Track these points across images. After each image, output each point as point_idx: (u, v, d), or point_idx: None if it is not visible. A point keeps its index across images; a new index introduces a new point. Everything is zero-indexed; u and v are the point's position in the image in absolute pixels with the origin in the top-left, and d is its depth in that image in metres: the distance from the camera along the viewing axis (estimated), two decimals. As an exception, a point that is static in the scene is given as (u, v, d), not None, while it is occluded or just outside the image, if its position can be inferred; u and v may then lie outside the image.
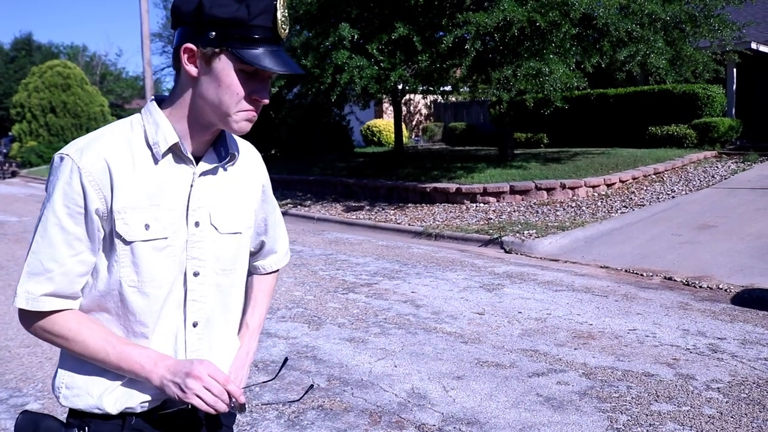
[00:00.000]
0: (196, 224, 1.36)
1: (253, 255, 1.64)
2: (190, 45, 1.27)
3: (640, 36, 10.71)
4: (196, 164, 1.37)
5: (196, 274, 1.37)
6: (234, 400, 1.31)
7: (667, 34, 11.60)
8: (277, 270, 1.72)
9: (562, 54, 10.56)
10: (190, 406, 1.38)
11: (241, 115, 1.30)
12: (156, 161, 1.31)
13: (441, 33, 11.29)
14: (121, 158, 1.28)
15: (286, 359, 1.59)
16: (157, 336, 1.35)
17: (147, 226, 1.29)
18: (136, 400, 1.34)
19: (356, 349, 4.67)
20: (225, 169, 1.42)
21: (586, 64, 11.10)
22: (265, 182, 1.57)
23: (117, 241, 1.29)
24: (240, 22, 1.24)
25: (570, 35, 10.46)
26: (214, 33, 1.25)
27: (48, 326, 1.30)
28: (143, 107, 1.38)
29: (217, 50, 1.26)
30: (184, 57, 1.28)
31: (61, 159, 1.27)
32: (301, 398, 1.99)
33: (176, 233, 1.33)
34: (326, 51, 11.23)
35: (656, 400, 3.64)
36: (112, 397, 1.33)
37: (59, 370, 1.37)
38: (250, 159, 1.52)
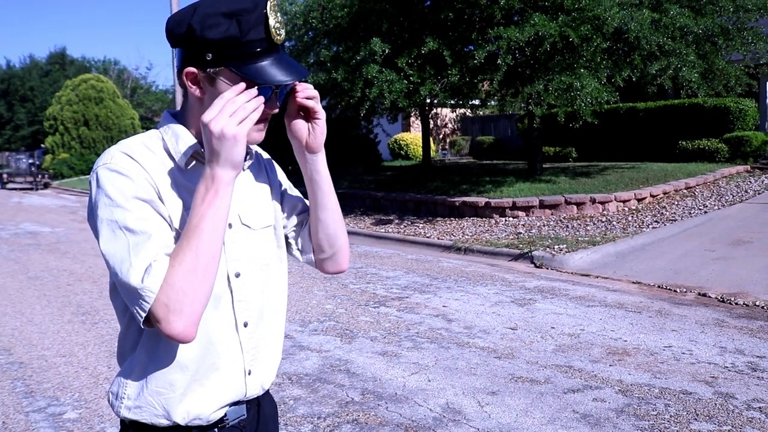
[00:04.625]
0: (230, 226, 1.36)
1: (303, 226, 1.57)
2: (191, 69, 1.27)
3: (671, 49, 10.63)
4: None
5: (237, 275, 1.37)
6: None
7: (699, 48, 11.49)
8: None
9: (593, 68, 10.51)
10: (244, 416, 1.41)
11: (253, 127, 1.29)
12: (181, 170, 1.32)
13: (471, 47, 11.31)
14: (154, 166, 1.28)
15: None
16: (216, 339, 1.33)
17: None
18: (207, 411, 1.34)
19: (389, 363, 4.67)
20: (244, 169, 1.43)
21: (617, 78, 11.04)
22: (278, 168, 1.58)
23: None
24: (233, 40, 1.22)
25: (601, 49, 10.41)
26: (210, 54, 1.24)
27: (164, 292, 1.17)
28: (159, 123, 1.39)
29: (217, 70, 1.25)
30: (187, 80, 1.28)
31: (105, 168, 1.24)
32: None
33: None
34: (357, 65, 11.29)
35: (696, 419, 3.59)
36: (182, 408, 1.32)
37: (120, 378, 1.35)
38: (263, 156, 1.54)
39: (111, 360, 4.91)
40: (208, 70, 1.26)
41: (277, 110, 1.33)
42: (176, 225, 1.27)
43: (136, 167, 1.25)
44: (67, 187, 27.77)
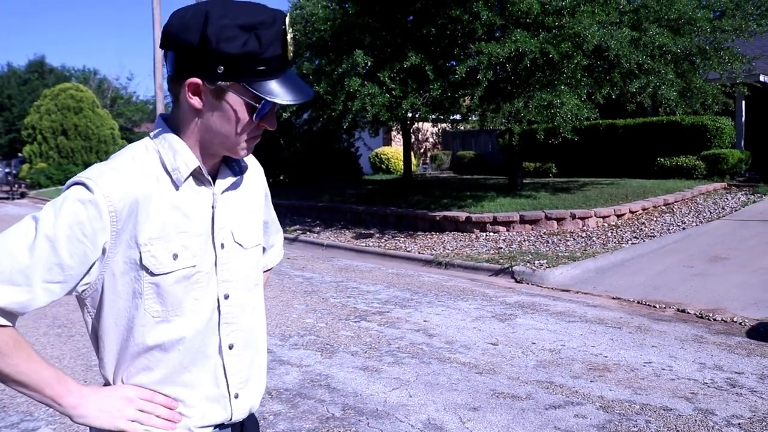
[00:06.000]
0: (222, 246, 1.32)
1: None
2: (194, 80, 1.20)
3: (650, 68, 10.78)
4: (213, 184, 1.33)
5: (226, 297, 1.33)
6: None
7: (677, 66, 11.67)
8: (271, 269, 1.72)
9: (573, 85, 10.61)
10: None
11: (249, 142, 1.28)
12: (177, 187, 1.26)
13: (452, 62, 11.38)
14: (146, 187, 1.22)
15: None
16: (197, 365, 1.31)
17: (175, 256, 1.24)
18: (198, 423, 1.32)
19: (370, 378, 4.64)
20: (237, 184, 1.40)
21: (597, 95, 11.15)
22: (265, 186, 1.54)
23: (143, 273, 1.22)
24: (253, 56, 1.17)
25: (581, 66, 10.52)
26: (222, 67, 1.17)
27: None
28: (153, 131, 1.31)
29: (228, 84, 1.20)
30: (188, 90, 1.21)
31: (81, 184, 1.18)
32: None
33: (204, 259, 1.29)
34: (339, 78, 11.31)
35: (676, 436, 3.60)
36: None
37: None
38: (251, 167, 1.47)
39: (87, 374, 4.83)
40: (218, 83, 1.20)
41: (275, 127, 1.30)
42: (167, 248, 1.24)
43: (123, 200, 1.20)
44: (44, 197, 27.40)
